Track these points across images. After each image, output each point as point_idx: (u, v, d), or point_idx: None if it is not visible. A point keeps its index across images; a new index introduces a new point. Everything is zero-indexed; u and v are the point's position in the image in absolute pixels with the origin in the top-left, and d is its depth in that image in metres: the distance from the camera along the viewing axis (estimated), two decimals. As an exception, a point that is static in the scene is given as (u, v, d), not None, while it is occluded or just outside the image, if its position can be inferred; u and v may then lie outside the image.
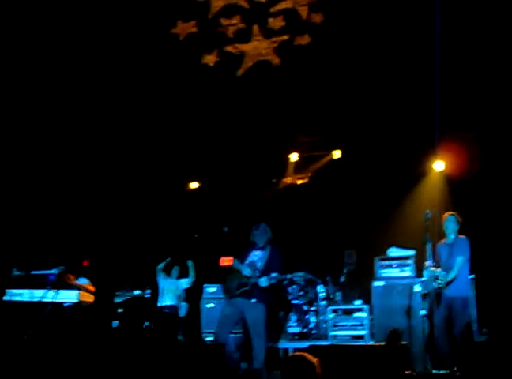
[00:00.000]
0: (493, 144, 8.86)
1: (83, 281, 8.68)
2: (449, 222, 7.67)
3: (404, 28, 8.33)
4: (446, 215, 7.77)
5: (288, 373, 4.09)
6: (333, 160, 10.25)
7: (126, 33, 8.66)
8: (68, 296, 7.91)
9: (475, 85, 8.57)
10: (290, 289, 9.21)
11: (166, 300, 9.62)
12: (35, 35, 8.86)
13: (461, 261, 7.39)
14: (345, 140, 9.71)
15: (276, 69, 8.44)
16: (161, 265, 9.66)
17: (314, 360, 4.09)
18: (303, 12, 8.29)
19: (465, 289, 7.44)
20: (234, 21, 8.53)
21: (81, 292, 8.10)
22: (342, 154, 10.06)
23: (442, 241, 7.84)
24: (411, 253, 8.47)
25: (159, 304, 9.54)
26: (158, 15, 8.61)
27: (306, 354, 4.14)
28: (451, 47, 8.19)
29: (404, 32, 8.36)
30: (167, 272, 9.80)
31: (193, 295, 9.97)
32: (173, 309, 9.83)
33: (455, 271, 7.36)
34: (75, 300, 7.93)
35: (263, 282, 7.27)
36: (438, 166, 9.69)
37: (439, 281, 7.32)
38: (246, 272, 7.42)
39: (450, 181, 9.50)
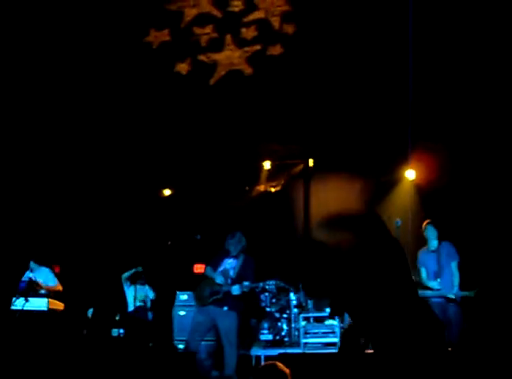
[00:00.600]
0: (461, 156, 9.01)
1: (50, 277, 8.54)
2: (430, 230, 7.97)
3: (377, 38, 8.41)
4: (425, 223, 8.05)
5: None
6: (306, 168, 10.29)
7: (99, 41, 8.61)
8: (38, 304, 7.82)
9: (445, 97, 8.70)
10: (262, 296, 9.22)
11: (136, 306, 9.59)
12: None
13: (456, 266, 7.76)
14: (318, 149, 9.76)
15: (249, 78, 8.46)
16: (126, 274, 9.61)
17: (287, 370, 4.11)
18: (276, 22, 8.32)
19: (458, 291, 7.70)
20: (207, 30, 8.52)
21: (51, 300, 8.02)
22: (315, 162, 10.09)
23: (424, 248, 8.06)
24: (381, 260, 8.55)
25: (128, 310, 9.50)
26: (131, 23, 8.59)
27: (278, 363, 4.16)
28: (424, 57, 8.29)
29: (377, 43, 8.44)
30: (132, 280, 9.71)
31: (164, 302, 9.93)
32: (143, 314, 9.78)
33: (457, 277, 7.71)
34: (45, 308, 7.85)
35: (235, 290, 7.30)
36: (410, 174, 9.78)
37: (452, 294, 7.60)
38: (219, 279, 7.45)
39: (420, 190, 9.60)
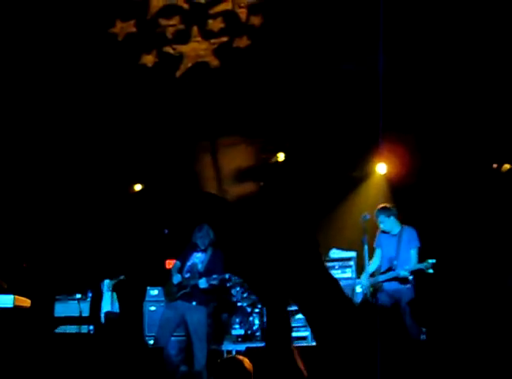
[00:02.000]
0: (433, 149, 9.01)
1: None
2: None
3: (346, 29, 8.37)
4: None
5: (221, 377, 4.07)
6: (276, 161, 10.23)
7: (63, 32, 8.49)
8: (3, 301, 7.69)
9: (415, 88, 8.70)
10: (233, 291, 9.24)
11: (114, 306, 9.56)
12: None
13: (415, 254, 7.38)
14: (289, 142, 9.72)
15: (216, 70, 8.40)
16: (112, 282, 9.55)
17: (248, 362, 4.08)
18: (242, 14, 8.28)
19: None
20: (173, 22, 8.46)
21: (17, 296, 7.89)
22: (286, 156, 10.05)
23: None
24: (352, 254, 8.59)
25: (106, 310, 9.44)
26: (97, 14, 8.48)
27: (239, 357, 4.13)
28: (395, 45, 8.26)
29: (345, 33, 8.40)
30: (114, 287, 9.66)
31: (134, 297, 9.89)
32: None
33: (412, 265, 7.28)
34: (10, 305, 7.72)
35: (202, 283, 7.28)
36: (381, 168, 9.75)
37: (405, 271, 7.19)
38: (176, 278, 7.44)
39: (392, 185, 9.59)
